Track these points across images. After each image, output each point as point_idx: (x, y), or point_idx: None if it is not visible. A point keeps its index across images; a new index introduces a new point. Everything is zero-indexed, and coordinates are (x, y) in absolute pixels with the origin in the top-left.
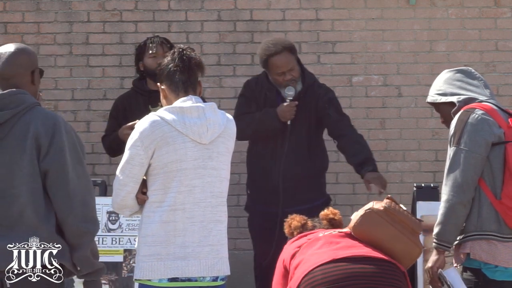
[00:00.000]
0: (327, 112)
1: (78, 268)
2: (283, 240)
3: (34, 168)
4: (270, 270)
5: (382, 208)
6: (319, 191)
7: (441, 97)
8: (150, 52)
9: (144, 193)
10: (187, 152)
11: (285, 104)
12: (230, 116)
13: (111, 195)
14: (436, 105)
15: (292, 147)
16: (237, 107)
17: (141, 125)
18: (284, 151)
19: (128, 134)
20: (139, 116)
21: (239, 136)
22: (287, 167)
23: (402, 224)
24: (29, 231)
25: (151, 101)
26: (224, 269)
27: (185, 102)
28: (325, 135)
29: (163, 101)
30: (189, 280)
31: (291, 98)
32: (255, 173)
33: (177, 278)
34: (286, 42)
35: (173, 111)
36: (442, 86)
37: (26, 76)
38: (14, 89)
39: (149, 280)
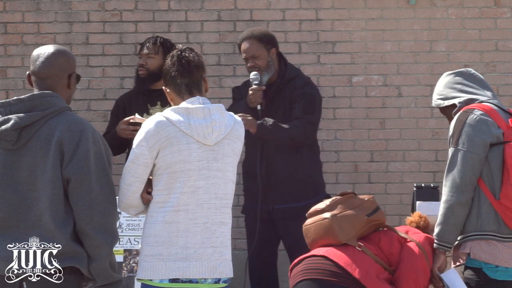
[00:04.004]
0: (294, 105)
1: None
2: (266, 236)
3: (56, 174)
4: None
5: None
6: (312, 190)
7: (443, 101)
8: (139, 51)
9: (149, 193)
10: (191, 153)
11: (250, 88)
12: (238, 118)
13: None
14: (441, 109)
15: (272, 144)
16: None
17: (147, 125)
18: (259, 145)
19: (125, 129)
20: (137, 113)
21: None
22: (269, 163)
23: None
24: (44, 237)
25: (150, 101)
26: (226, 271)
27: (192, 103)
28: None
29: (171, 103)
30: (190, 281)
31: (257, 83)
32: (244, 171)
33: (178, 279)
34: (258, 31)
35: (179, 111)
36: (443, 90)
37: (63, 79)
38: (46, 91)
39: (151, 280)
